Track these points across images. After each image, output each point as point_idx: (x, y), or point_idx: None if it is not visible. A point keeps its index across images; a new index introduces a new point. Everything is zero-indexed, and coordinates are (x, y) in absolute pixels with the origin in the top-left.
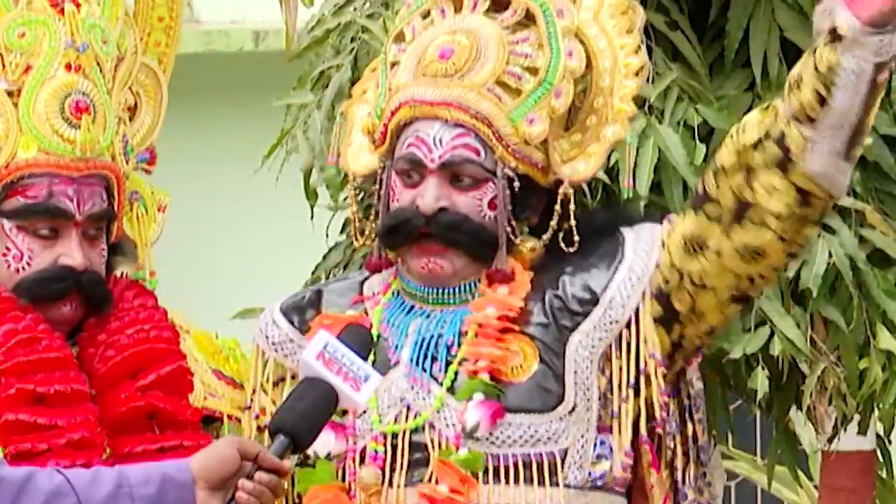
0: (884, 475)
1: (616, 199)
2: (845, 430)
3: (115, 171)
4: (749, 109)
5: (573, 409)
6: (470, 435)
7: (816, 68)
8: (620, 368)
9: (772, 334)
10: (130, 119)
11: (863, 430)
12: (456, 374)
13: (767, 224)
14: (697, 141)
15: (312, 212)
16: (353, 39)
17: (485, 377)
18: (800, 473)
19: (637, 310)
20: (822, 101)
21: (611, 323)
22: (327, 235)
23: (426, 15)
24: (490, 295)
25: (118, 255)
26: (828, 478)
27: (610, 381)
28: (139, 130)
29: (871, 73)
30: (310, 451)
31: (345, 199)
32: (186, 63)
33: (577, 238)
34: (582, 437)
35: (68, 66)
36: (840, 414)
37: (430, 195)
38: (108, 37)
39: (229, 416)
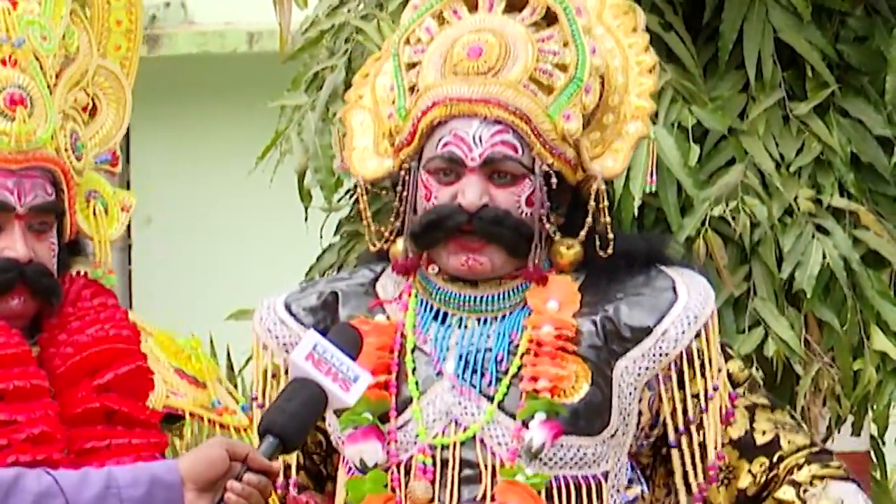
0: (878, 476)
1: (611, 198)
2: (839, 430)
3: (61, 165)
4: (743, 110)
5: (614, 433)
6: (535, 455)
7: None
8: (676, 400)
9: (766, 335)
10: (88, 120)
11: (857, 430)
12: (507, 389)
13: None
14: (692, 142)
15: (307, 213)
16: (347, 41)
17: (547, 396)
18: None
19: (689, 346)
20: None
21: (660, 355)
22: (321, 237)
23: (439, 16)
24: (548, 314)
25: (79, 254)
26: None
27: (653, 415)
28: (98, 132)
29: None
30: (356, 461)
31: (339, 201)
32: (181, 64)
33: (609, 244)
34: (619, 460)
35: (3, 61)
36: (834, 415)
37: (472, 192)
38: (48, 33)
39: (192, 414)
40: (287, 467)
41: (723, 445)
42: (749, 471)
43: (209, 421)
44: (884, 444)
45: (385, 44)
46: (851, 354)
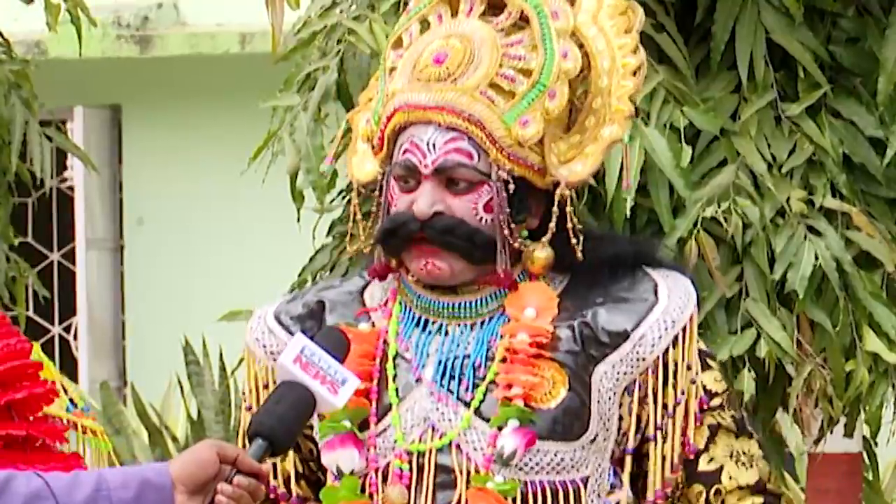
0: (870, 477)
1: (602, 200)
2: (832, 431)
3: None
4: (735, 111)
5: (594, 438)
6: (506, 462)
7: None
8: (648, 409)
9: (758, 336)
10: None
11: (849, 432)
12: (484, 395)
13: None
14: (684, 143)
15: (299, 214)
16: (339, 41)
17: (520, 404)
18: (786, 475)
19: (666, 351)
20: None
21: (638, 360)
22: (314, 237)
23: (423, 20)
24: (523, 322)
25: None
26: (814, 480)
27: (632, 418)
28: None
29: None
30: (332, 468)
31: (331, 202)
32: (173, 65)
33: (581, 248)
34: (599, 465)
35: None
36: (826, 416)
37: (423, 200)
38: None
39: (69, 421)
40: (287, 479)
41: (687, 458)
42: (686, 495)
43: (82, 427)
44: (876, 444)
45: None
46: (844, 355)
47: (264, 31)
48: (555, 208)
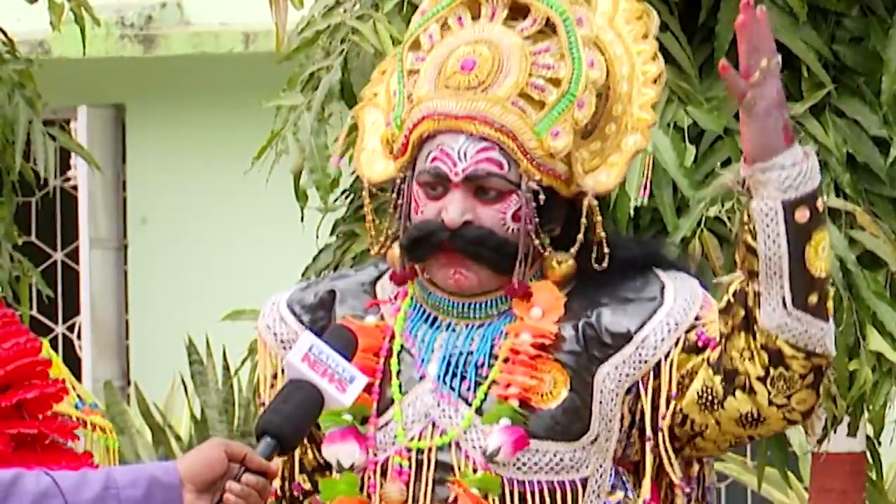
0: (873, 476)
1: (606, 200)
2: (835, 431)
3: None
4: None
5: (595, 438)
6: (491, 459)
7: (742, 219)
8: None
9: None
10: None
11: (852, 431)
12: (485, 395)
13: (755, 389)
14: (687, 142)
15: (303, 213)
16: (342, 41)
17: (514, 403)
18: (790, 475)
19: (668, 354)
20: (754, 251)
21: (640, 362)
22: (317, 237)
23: (443, 23)
24: (527, 322)
25: None
26: (818, 479)
27: (633, 416)
28: None
29: (784, 213)
30: (332, 462)
31: (335, 201)
32: (177, 64)
33: (605, 258)
34: (600, 466)
35: None
36: (830, 415)
37: (454, 209)
38: None
39: (78, 419)
40: (312, 472)
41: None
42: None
43: (91, 424)
44: (879, 444)
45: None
46: (847, 355)
47: (268, 31)
48: (583, 219)
